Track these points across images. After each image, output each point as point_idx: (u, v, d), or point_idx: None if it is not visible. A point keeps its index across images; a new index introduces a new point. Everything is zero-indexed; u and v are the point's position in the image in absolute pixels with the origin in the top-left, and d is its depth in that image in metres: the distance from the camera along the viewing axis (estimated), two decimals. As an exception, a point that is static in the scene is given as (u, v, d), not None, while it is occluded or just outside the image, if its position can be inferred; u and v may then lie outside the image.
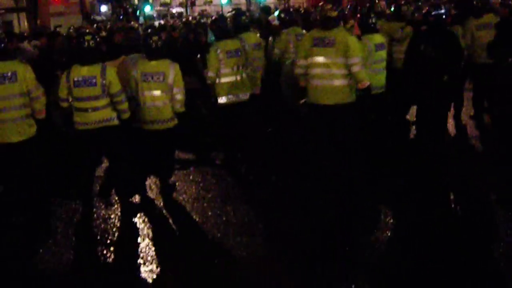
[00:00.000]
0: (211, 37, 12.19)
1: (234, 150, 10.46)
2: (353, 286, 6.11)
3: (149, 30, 9.38)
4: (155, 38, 8.75)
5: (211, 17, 20.46)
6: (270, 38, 11.95)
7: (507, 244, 6.87)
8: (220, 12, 34.68)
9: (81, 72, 8.18)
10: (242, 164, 10.35)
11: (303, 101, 9.21)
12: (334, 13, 8.81)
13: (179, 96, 8.79)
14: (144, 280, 6.62)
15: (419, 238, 7.22)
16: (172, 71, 8.67)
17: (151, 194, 9.26)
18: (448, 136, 10.91)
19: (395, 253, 6.90)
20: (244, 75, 10.02)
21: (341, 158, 9.21)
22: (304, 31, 11.86)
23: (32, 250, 7.49)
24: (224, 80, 9.84)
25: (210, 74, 9.82)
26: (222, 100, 9.91)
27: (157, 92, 8.67)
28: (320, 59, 8.66)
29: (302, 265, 6.68)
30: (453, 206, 8.33)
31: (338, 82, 8.62)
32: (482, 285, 6.07)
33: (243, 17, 11.14)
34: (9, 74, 8.13)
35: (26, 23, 35.31)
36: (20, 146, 8.25)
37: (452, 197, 8.64)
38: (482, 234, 7.29)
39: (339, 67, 8.56)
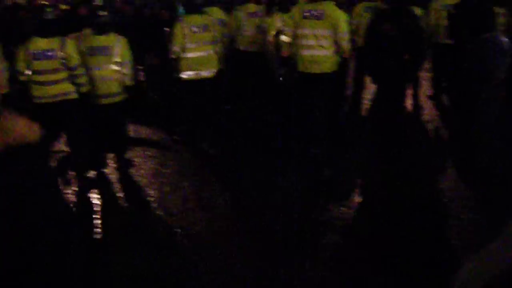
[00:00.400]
0: (181, 11, 12.04)
1: (193, 125, 10.42)
2: (307, 262, 6.20)
3: (96, 4, 9.30)
4: (101, 13, 8.70)
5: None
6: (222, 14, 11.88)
7: (460, 219, 7.06)
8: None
9: (40, 44, 8.06)
10: (201, 140, 10.29)
11: (284, 70, 9.79)
12: None
13: (127, 70, 8.81)
14: (99, 255, 6.60)
15: (378, 212, 7.39)
16: (118, 45, 8.70)
17: (108, 170, 9.19)
18: (407, 116, 10.99)
19: (353, 231, 7.01)
20: (211, 51, 9.99)
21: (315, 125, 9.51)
22: (260, 7, 11.84)
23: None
24: (189, 55, 9.80)
25: (175, 48, 9.79)
26: (185, 75, 9.88)
27: (104, 66, 8.67)
28: (309, 30, 9.01)
29: (259, 240, 6.73)
30: (411, 182, 8.37)
31: (326, 53, 9.06)
32: (435, 255, 6.19)
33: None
34: None
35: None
36: None
37: (410, 174, 8.70)
38: (437, 208, 7.52)
39: (327, 38, 9.00)
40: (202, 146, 10.09)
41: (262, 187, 8.28)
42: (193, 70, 9.87)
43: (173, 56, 9.89)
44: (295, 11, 9.26)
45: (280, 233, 6.88)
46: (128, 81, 8.86)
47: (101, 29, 8.70)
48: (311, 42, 9.08)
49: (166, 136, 10.69)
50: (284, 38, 9.46)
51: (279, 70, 9.97)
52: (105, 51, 8.63)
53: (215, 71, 10.09)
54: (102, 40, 8.67)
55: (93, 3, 8.90)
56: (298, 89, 9.60)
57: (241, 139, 10.42)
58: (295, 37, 9.24)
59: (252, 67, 11.53)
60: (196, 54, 9.81)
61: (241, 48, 11.60)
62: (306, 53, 9.16)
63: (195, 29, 9.73)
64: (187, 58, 9.81)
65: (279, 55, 9.72)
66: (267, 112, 11.31)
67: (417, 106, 11.82)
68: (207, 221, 7.27)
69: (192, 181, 8.61)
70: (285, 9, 10.53)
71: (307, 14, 9.03)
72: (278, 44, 9.90)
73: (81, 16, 11.88)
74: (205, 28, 9.86)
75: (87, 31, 9.17)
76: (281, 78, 10.04)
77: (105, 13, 8.71)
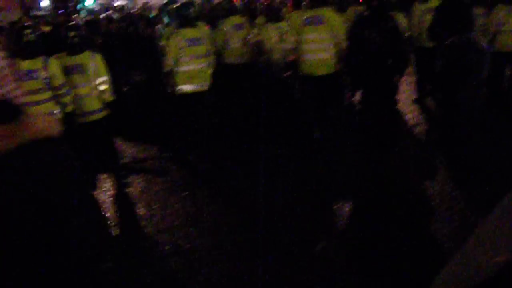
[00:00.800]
0: (167, 21, 11.96)
1: (183, 140, 10.40)
2: (302, 276, 6.16)
3: (69, 25, 9.27)
4: (71, 33, 8.68)
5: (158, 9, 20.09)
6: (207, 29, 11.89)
7: (453, 220, 7.05)
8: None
9: (22, 66, 8.05)
10: (190, 155, 10.26)
11: (289, 73, 10.37)
12: None
13: (103, 86, 8.76)
14: (86, 272, 6.55)
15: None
16: (92, 62, 8.66)
17: (96, 189, 9.16)
18: (393, 120, 11.00)
19: (347, 234, 6.99)
20: (204, 64, 9.97)
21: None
22: (244, 19, 11.90)
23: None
24: (182, 68, 9.78)
25: (169, 61, 9.75)
26: (180, 88, 9.86)
27: (80, 85, 8.63)
28: (312, 35, 9.59)
29: (251, 255, 6.69)
30: (400, 184, 8.39)
31: (328, 55, 9.67)
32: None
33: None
34: None
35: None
36: None
37: (399, 177, 8.71)
38: (428, 208, 7.55)
39: (329, 41, 9.59)
40: (191, 161, 10.05)
41: (252, 201, 8.22)
42: (187, 84, 9.84)
43: (167, 70, 9.84)
44: (296, 18, 9.80)
45: (272, 247, 6.83)
46: (108, 97, 8.82)
47: (73, 49, 8.66)
48: (314, 46, 9.57)
49: (155, 153, 10.68)
50: (287, 45, 9.92)
51: (284, 74, 10.32)
52: (79, 69, 8.59)
53: (208, 84, 10.07)
54: (75, 59, 8.61)
55: (71, 24, 8.86)
56: (303, 92, 10.13)
57: (230, 153, 10.40)
58: (298, 42, 9.69)
59: (240, 79, 11.56)
60: (190, 68, 9.79)
61: (228, 61, 11.62)
62: (310, 57, 9.67)
63: (189, 42, 9.73)
64: (181, 72, 9.79)
65: (285, 61, 10.29)
66: (256, 124, 11.30)
67: (400, 110, 11.88)
68: (196, 237, 7.23)
69: (181, 197, 8.57)
70: (276, 18, 10.93)
71: (309, 20, 9.53)
72: (282, 51, 10.34)
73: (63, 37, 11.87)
74: (199, 41, 9.87)
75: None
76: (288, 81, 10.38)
77: (73, 33, 8.68)
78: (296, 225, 7.39)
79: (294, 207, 7.95)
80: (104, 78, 8.72)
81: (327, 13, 9.61)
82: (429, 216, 7.31)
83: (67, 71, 8.53)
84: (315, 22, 9.54)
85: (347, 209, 7.72)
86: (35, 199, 2.68)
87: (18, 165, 2.60)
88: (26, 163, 2.62)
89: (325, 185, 8.62)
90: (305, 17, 9.60)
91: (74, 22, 9.14)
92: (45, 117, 2.83)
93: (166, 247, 7.04)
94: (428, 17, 11.07)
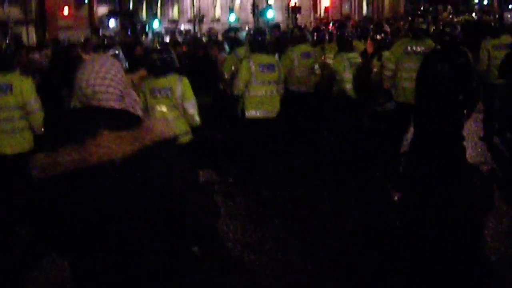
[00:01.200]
0: (227, 49, 12.12)
1: (249, 167, 10.40)
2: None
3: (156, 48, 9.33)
4: (154, 55, 8.71)
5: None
6: (276, 56, 11.92)
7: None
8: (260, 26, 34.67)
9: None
10: (255, 182, 10.16)
11: (384, 101, 10.76)
12: (424, 26, 11.09)
13: (191, 110, 8.62)
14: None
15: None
16: (179, 86, 8.55)
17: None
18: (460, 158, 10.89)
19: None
20: (274, 91, 9.98)
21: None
22: (312, 48, 12.00)
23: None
24: (253, 93, 9.82)
25: (239, 84, 9.80)
26: (249, 114, 9.90)
27: (165, 107, 8.56)
28: (411, 65, 9.97)
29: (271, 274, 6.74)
30: (464, 224, 8.25)
31: None
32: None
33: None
34: (4, 86, 8.20)
35: (34, 36, 35.39)
36: (15, 159, 8.17)
37: (463, 216, 8.56)
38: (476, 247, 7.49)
39: None
40: (255, 188, 9.95)
41: (317, 232, 8.06)
42: (256, 109, 9.85)
43: (236, 92, 9.89)
44: (398, 47, 10.58)
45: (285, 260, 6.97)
46: (195, 121, 8.69)
47: (158, 71, 8.61)
48: (412, 75, 9.72)
49: (218, 177, 10.74)
50: (385, 71, 10.32)
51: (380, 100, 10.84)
52: (165, 92, 8.48)
53: (277, 111, 10.05)
54: (162, 81, 8.53)
55: (157, 47, 8.96)
56: (396, 118, 10.55)
57: (294, 182, 10.20)
58: (396, 70, 10.25)
59: (303, 107, 11.55)
60: (260, 93, 9.81)
61: (292, 88, 11.62)
62: (407, 85, 10.04)
63: (262, 67, 9.78)
64: (251, 96, 9.81)
65: (381, 87, 10.63)
66: (319, 153, 11.26)
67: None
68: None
69: (244, 223, 8.50)
70: (348, 48, 11.14)
71: (410, 50, 10.16)
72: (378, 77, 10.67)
73: (137, 57, 12.09)
74: (272, 67, 9.91)
75: (143, 71, 9.24)
76: (381, 107, 10.86)
77: (157, 54, 8.73)
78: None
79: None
80: (191, 101, 8.64)
81: (428, 45, 10.24)
82: (482, 254, 7.27)
83: (153, 92, 8.52)
84: (416, 52, 10.10)
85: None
86: (154, 194, 2.92)
87: (141, 165, 2.94)
88: (148, 163, 2.94)
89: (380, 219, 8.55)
90: (407, 45, 10.32)
91: (157, 45, 9.19)
92: (161, 123, 3.13)
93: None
94: (499, 53, 10.94)
